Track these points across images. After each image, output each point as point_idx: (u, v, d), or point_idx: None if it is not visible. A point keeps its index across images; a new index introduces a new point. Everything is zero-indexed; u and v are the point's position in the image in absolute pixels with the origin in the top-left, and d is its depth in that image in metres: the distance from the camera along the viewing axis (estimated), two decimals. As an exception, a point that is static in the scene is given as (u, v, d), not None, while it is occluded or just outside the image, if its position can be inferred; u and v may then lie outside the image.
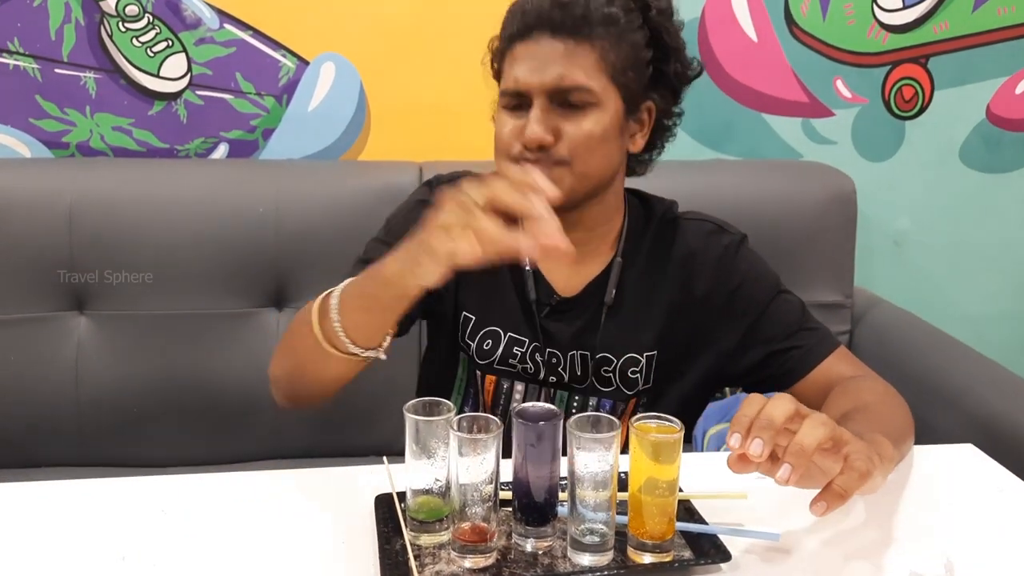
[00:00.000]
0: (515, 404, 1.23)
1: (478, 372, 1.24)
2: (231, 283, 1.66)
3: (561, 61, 1.09)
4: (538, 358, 1.22)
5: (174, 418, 1.65)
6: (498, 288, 1.23)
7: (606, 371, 1.22)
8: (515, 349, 1.22)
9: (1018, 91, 2.00)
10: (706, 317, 1.22)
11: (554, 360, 1.22)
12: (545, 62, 1.09)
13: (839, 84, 1.94)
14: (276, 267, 1.66)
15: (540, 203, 0.85)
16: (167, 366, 1.65)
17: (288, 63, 1.78)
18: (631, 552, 0.85)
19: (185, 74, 1.75)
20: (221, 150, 1.80)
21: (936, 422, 1.51)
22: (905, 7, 1.92)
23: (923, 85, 1.97)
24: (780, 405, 0.83)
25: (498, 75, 1.17)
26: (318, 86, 1.80)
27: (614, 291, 1.20)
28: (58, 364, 1.62)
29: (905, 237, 2.06)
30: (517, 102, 1.11)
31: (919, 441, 1.11)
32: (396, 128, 1.84)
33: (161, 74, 1.74)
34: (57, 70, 1.71)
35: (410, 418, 0.84)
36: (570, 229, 0.87)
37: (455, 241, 0.85)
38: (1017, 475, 1.21)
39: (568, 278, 1.22)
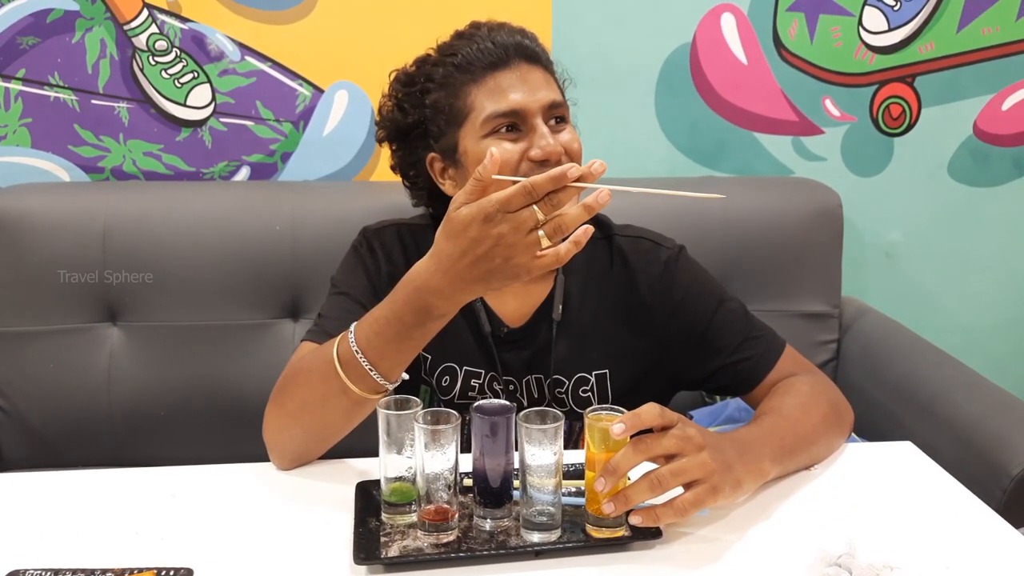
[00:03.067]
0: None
1: (441, 405, 1.28)
2: (250, 296, 1.76)
3: (544, 83, 1.20)
4: (496, 387, 1.27)
5: (197, 421, 1.75)
6: (450, 324, 1.25)
7: (560, 393, 1.27)
8: (472, 382, 1.27)
9: (1004, 107, 2.07)
10: (653, 334, 1.27)
11: (511, 387, 1.27)
12: (535, 85, 1.18)
13: (827, 103, 2.03)
14: (292, 281, 1.76)
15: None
16: (192, 373, 1.75)
17: (304, 91, 1.90)
18: (590, 528, 0.96)
19: (210, 103, 1.88)
20: (243, 173, 1.93)
21: (912, 426, 1.59)
22: (891, 29, 2.00)
23: (910, 103, 2.05)
24: (630, 455, 0.92)
25: (449, 117, 1.20)
26: (332, 112, 1.92)
27: (561, 307, 1.25)
28: (92, 371, 1.73)
29: (896, 249, 2.13)
30: (508, 126, 1.16)
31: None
32: (405, 150, 1.95)
33: (188, 103, 1.87)
34: (93, 101, 1.85)
35: (382, 413, 0.96)
36: None
37: (554, 257, 0.91)
38: (987, 478, 1.30)
39: (516, 308, 1.27)
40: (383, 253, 1.30)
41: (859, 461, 1.14)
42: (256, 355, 1.77)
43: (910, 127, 2.06)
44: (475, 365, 1.27)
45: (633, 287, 1.27)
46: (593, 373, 1.26)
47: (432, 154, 1.24)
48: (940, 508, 1.04)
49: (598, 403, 1.26)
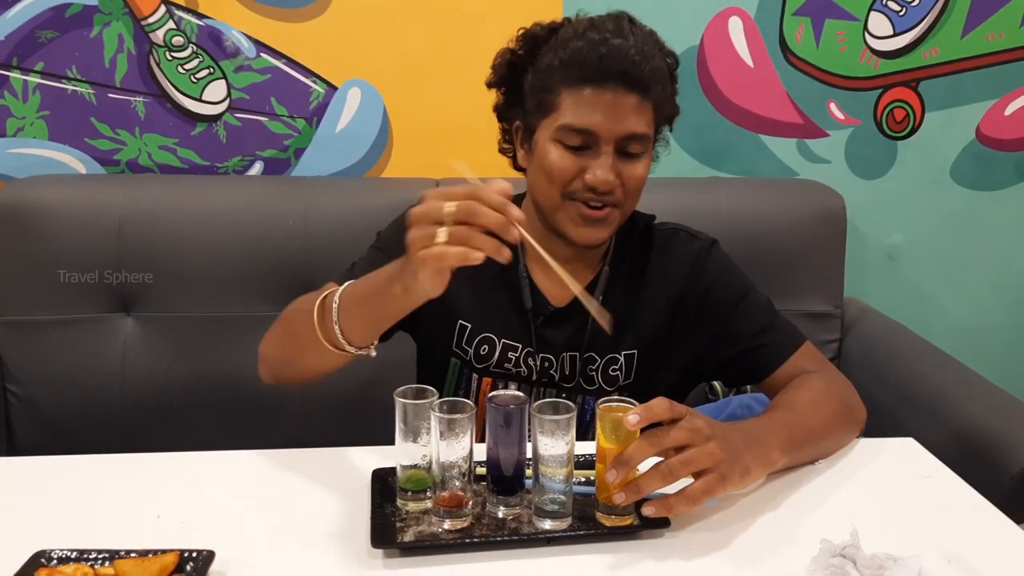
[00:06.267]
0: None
1: (475, 375, 1.33)
2: (263, 289, 1.79)
3: (632, 113, 1.17)
4: (531, 362, 1.31)
5: (210, 411, 1.78)
6: (493, 298, 1.32)
7: (591, 370, 1.31)
8: (509, 354, 1.31)
9: (1007, 113, 2.10)
10: (681, 318, 1.32)
11: (547, 363, 1.31)
12: (620, 112, 1.17)
13: (832, 107, 2.05)
14: (304, 275, 1.77)
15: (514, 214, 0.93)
16: (204, 364, 1.79)
17: (318, 88, 1.93)
18: (600, 516, 0.98)
19: (225, 98, 1.91)
20: (257, 167, 1.96)
21: (912, 425, 1.60)
22: (896, 34, 2.03)
23: (914, 107, 2.07)
24: (641, 447, 0.95)
25: (539, 103, 1.22)
26: (345, 109, 1.95)
27: (601, 298, 1.30)
28: (107, 361, 1.76)
29: (899, 251, 2.16)
30: (578, 141, 1.18)
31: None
32: (416, 147, 1.98)
33: (203, 98, 1.90)
34: (110, 95, 1.88)
35: (399, 402, 0.98)
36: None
37: (439, 252, 0.93)
38: (987, 477, 1.31)
39: (561, 288, 1.31)
40: None
41: (863, 455, 1.17)
42: (268, 347, 1.79)
43: (914, 131, 2.09)
44: (513, 339, 1.31)
45: (668, 275, 1.33)
46: (622, 353, 1.31)
47: (519, 122, 1.29)
48: (942, 501, 1.07)
49: (624, 380, 1.32)
